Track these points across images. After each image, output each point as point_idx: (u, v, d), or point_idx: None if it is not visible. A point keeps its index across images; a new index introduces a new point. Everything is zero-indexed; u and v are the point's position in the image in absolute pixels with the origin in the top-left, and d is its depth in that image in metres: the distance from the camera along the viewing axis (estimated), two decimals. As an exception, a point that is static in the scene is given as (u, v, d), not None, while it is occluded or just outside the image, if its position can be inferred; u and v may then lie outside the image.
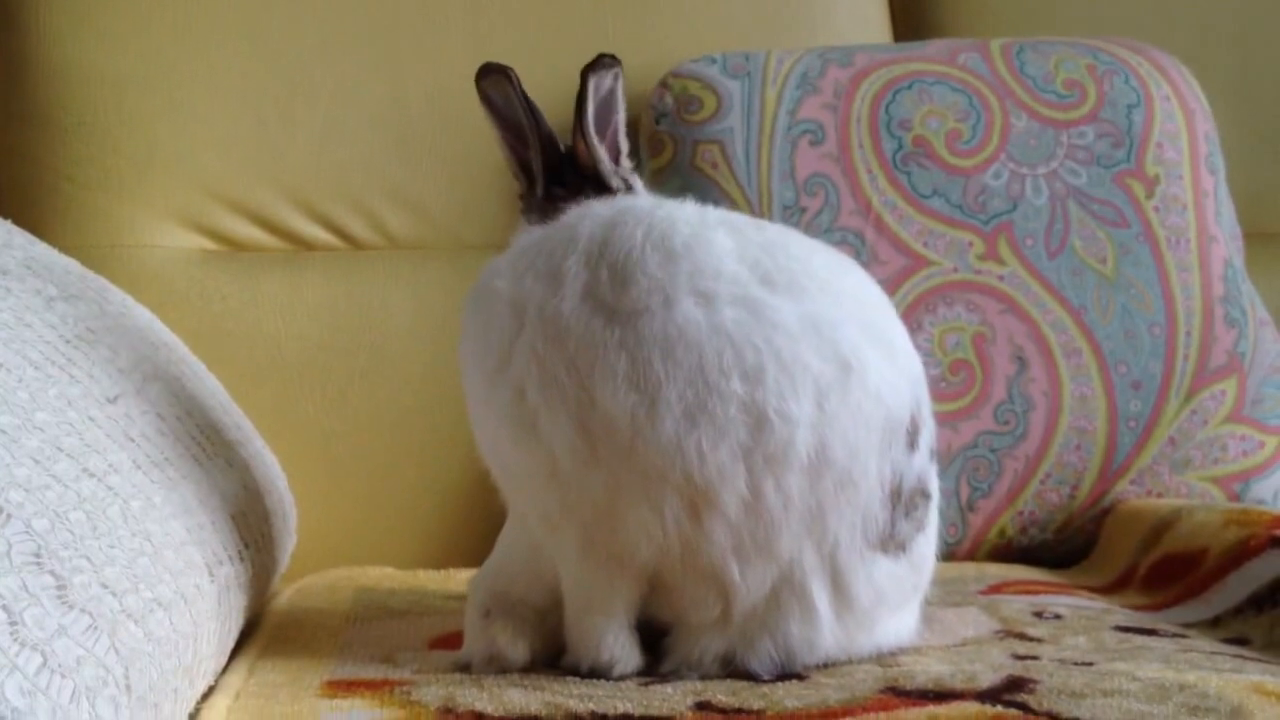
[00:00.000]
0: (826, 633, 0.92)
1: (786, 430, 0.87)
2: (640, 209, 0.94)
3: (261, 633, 1.13)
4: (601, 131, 1.02)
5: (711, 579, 0.90)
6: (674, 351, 0.87)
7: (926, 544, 0.98)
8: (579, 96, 1.00)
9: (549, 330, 0.90)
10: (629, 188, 1.04)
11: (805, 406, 0.87)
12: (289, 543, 1.37)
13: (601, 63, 0.99)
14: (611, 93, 1.01)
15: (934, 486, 0.98)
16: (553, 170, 1.04)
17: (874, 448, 0.90)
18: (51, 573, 0.67)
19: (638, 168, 1.09)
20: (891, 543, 0.93)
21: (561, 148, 1.04)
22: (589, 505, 0.90)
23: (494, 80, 1.04)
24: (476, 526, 1.48)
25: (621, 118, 1.03)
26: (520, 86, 1.03)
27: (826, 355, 0.88)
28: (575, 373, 0.89)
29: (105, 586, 0.71)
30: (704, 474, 0.87)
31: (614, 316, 0.89)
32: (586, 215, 0.95)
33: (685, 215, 0.93)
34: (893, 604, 0.96)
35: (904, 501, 0.93)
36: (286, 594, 1.31)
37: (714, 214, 0.96)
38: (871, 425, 0.90)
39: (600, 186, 1.03)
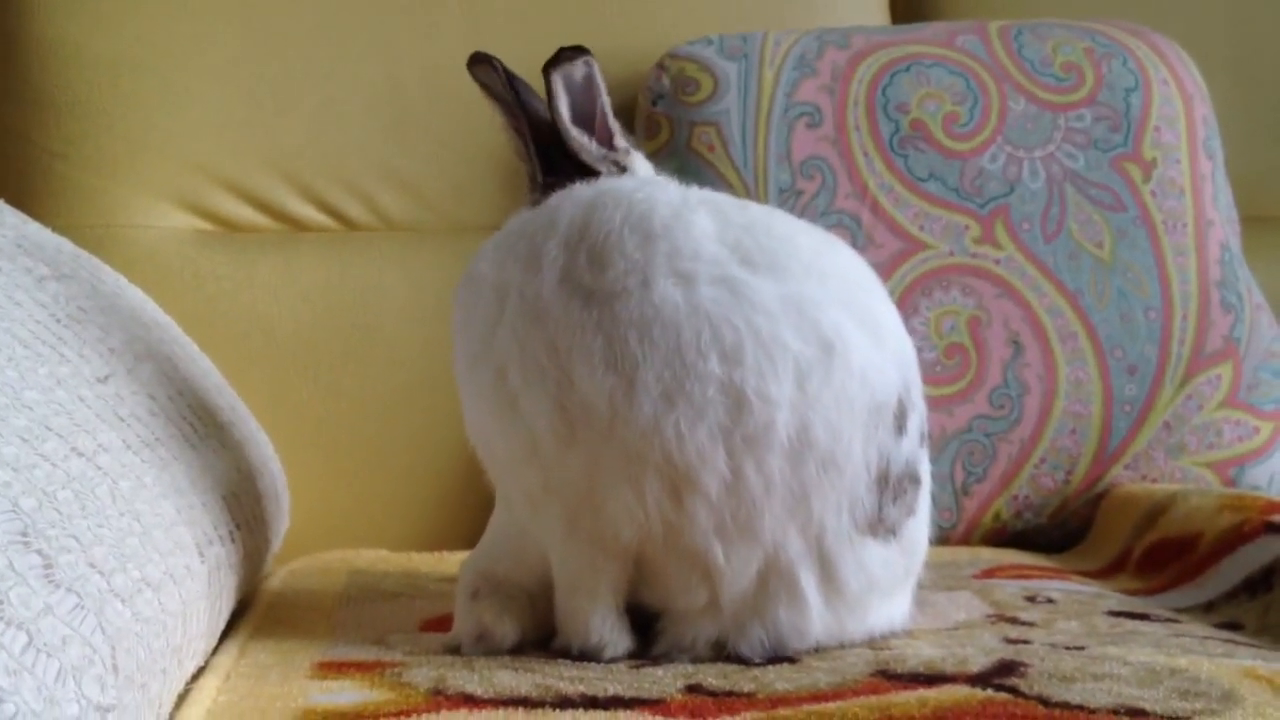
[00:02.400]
0: (816, 619, 0.92)
1: (766, 411, 0.86)
2: (621, 191, 0.93)
3: (253, 614, 1.13)
4: (588, 120, 1.01)
5: (695, 561, 0.90)
6: (651, 332, 0.87)
7: (918, 528, 0.97)
8: (547, 93, 0.98)
9: (529, 312, 0.90)
10: (623, 171, 1.03)
11: (785, 387, 0.87)
12: (282, 524, 1.37)
13: (561, 57, 0.97)
14: (588, 79, 0.99)
15: (925, 471, 0.97)
16: (547, 153, 1.03)
17: (858, 430, 0.89)
18: (38, 552, 0.67)
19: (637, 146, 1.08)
20: (881, 527, 0.92)
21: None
22: (570, 486, 0.90)
23: (481, 69, 1.04)
24: (470, 509, 1.48)
25: (605, 101, 1.00)
26: (505, 74, 1.02)
27: (808, 336, 0.88)
28: (555, 354, 0.89)
29: (93, 566, 0.71)
30: (683, 454, 0.86)
31: (592, 298, 0.88)
32: (567, 198, 0.94)
33: (666, 197, 0.92)
34: (884, 589, 0.96)
35: (892, 486, 0.92)
36: (279, 575, 1.31)
37: (697, 195, 0.95)
38: (855, 407, 0.89)
39: (593, 172, 1.02)
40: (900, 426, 0.92)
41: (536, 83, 1.02)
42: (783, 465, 0.87)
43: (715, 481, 0.87)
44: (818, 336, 0.88)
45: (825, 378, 0.88)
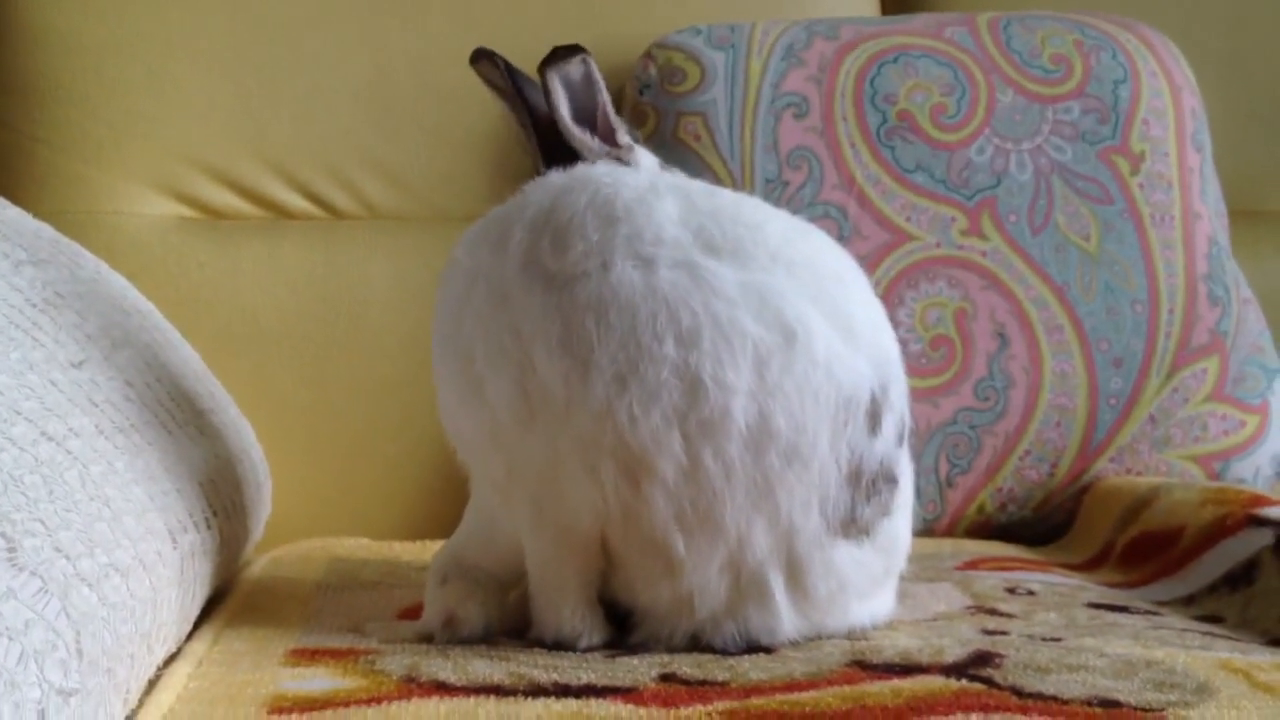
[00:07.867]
0: (786, 622, 0.91)
1: (722, 397, 0.85)
2: (590, 176, 0.92)
3: (231, 601, 1.12)
4: (589, 118, 0.99)
5: (656, 551, 0.89)
6: (607, 315, 0.86)
7: (896, 528, 0.95)
8: (544, 91, 0.97)
9: (493, 296, 0.90)
10: (627, 166, 1.01)
11: (743, 374, 0.85)
12: (263, 511, 1.37)
13: (556, 56, 0.96)
14: (587, 77, 0.97)
15: (903, 472, 0.95)
16: (550, 147, 1.01)
17: (824, 424, 0.87)
18: (2, 535, 0.66)
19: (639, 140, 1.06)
20: (854, 527, 0.91)
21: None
22: (532, 472, 0.90)
23: (483, 65, 1.03)
24: (453, 498, 1.45)
25: (606, 99, 0.99)
26: (506, 69, 1.01)
27: (769, 323, 0.86)
28: (517, 338, 0.88)
29: (58, 550, 0.70)
30: (637, 438, 0.86)
31: (552, 281, 0.88)
32: (540, 185, 0.94)
33: (633, 181, 0.91)
34: (860, 590, 0.94)
35: (865, 485, 0.90)
36: (259, 563, 1.31)
37: (666, 181, 0.94)
38: (820, 400, 0.87)
39: None
40: (874, 425, 0.90)
41: (532, 75, 1.01)
42: (743, 454, 0.86)
43: (671, 467, 0.86)
44: (780, 324, 0.86)
45: (786, 366, 0.86)
